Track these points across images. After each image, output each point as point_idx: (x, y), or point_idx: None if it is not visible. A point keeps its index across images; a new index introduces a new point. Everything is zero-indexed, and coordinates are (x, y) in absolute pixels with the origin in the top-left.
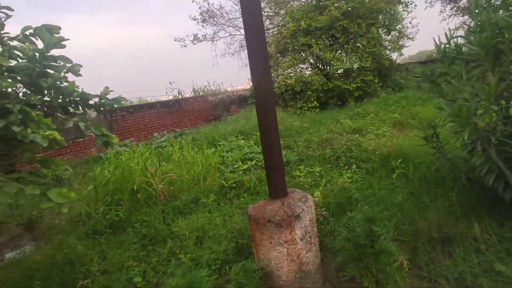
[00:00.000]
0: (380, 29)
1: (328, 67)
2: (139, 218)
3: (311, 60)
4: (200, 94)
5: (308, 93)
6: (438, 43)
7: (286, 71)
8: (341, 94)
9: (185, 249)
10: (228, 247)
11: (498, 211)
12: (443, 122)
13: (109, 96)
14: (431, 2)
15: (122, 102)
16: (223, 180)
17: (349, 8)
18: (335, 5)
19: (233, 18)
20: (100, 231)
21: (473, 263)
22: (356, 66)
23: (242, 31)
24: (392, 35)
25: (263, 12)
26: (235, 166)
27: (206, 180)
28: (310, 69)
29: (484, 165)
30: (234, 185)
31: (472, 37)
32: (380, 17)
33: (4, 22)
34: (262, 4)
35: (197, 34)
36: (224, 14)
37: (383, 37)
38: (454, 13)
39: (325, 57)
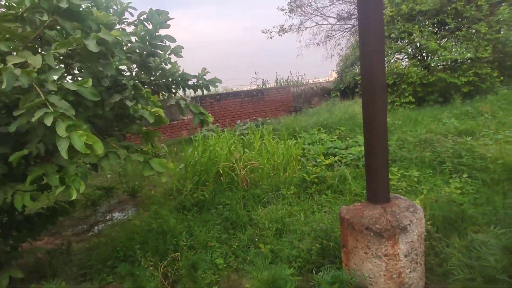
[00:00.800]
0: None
1: (430, 57)
2: (222, 201)
3: (410, 50)
4: (283, 85)
5: (403, 87)
6: None
7: None
8: (445, 89)
9: (264, 239)
10: (312, 247)
11: None
12: None
13: (206, 77)
14: None
15: (217, 84)
16: (304, 174)
17: None
18: None
19: (321, 6)
20: (188, 208)
21: None
22: (469, 57)
23: (330, 20)
24: None
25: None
26: (318, 160)
27: (286, 171)
28: (407, 59)
29: None
30: (316, 180)
31: None
32: None
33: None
34: None
35: (283, 25)
36: (312, 2)
37: None
38: None
39: (428, 46)
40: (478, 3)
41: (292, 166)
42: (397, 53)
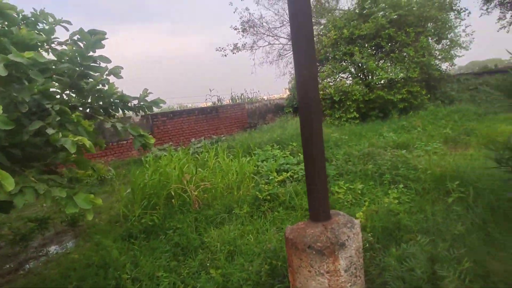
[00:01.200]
0: (430, 38)
1: (370, 77)
2: (172, 225)
3: (352, 70)
4: (238, 102)
5: (348, 103)
6: None
7: (325, 80)
8: (384, 106)
9: (216, 263)
10: (262, 269)
11: None
12: None
13: (148, 99)
14: (487, 8)
15: (161, 105)
16: (257, 192)
17: (396, 16)
18: (381, 13)
19: (272, 27)
20: (135, 235)
21: None
22: (402, 76)
23: (281, 40)
24: (443, 44)
25: None
26: (270, 177)
27: (240, 190)
28: (350, 78)
29: None
30: (269, 197)
31: None
32: (430, 25)
33: (55, 28)
34: None
35: (237, 43)
36: (264, 23)
37: (433, 46)
38: None
39: (368, 66)
40: (407, 30)
41: (246, 184)
42: (341, 73)
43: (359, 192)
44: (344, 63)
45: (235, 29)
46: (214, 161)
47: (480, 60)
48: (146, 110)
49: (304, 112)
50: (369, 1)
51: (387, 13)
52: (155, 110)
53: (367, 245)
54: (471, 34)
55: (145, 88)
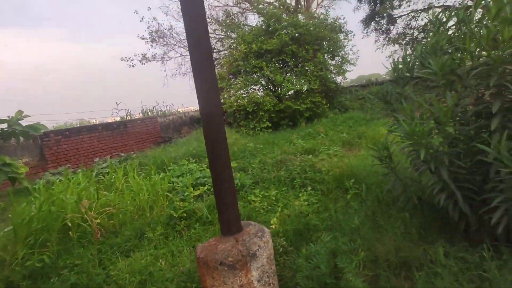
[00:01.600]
0: (325, 55)
1: (279, 89)
2: (69, 262)
3: (263, 82)
4: (149, 115)
5: (260, 114)
6: (394, 65)
7: (239, 92)
8: (293, 115)
9: None
10: None
11: (449, 231)
12: (397, 142)
13: (24, 122)
14: (367, 32)
15: (42, 130)
16: (171, 210)
17: (297, 34)
18: (284, 31)
19: (184, 39)
20: (17, 283)
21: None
22: (306, 88)
23: None
24: (336, 60)
25: (214, 35)
26: (186, 193)
27: (153, 210)
28: (262, 90)
29: (436, 185)
30: (185, 214)
31: (428, 60)
32: (325, 43)
33: None
34: (213, 26)
35: (145, 54)
36: (174, 34)
37: (328, 62)
38: (386, 43)
39: (275, 79)
40: (306, 47)
41: (160, 203)
42: (253, 85)
43: (273, 198)
44: (255, 76)
45: (143, 38)
46: (123, 182)
47: (366, 74)
48: (21, 136)
49: (207, 128)
50: (273, 19)
51: (289, 31)
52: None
53: (281, 250)
54: (356, 53)
55: (19, 110)
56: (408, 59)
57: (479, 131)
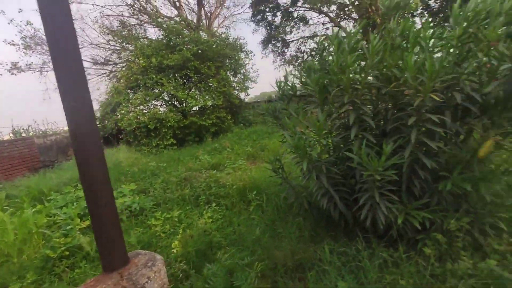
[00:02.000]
0: (228, 72)
1: (184, 104)
2: None
3: (166, 97)
4: (23, 135)
5: (164, 130)
6: (278, 84)
7: (138, 107)
8: (198, 130)
9: None
10: None
11: (333, 229)
12: (287, 153)
13: None
14: (266, 53)
15: None
16: (48, 250)
17: (199, 51)
18: (186, 47)
19: None
20: None
21: (323, 285)
22: (210, 104)
23: (84, 64)
24: (238, 78)
25: (108, 46)
26: (69, 226)
27: (24, 253)
28: (165, 106)
29: (319, 190)
30: (67, 252)
31: (307, 79)
32: (227, 61)
33: None
34: (107, 37)
35: (17, 63)
36: None
37: (231, 79)
38: (282, 63)
39: (178, 95)
40: (209, 64)
41: (33, 243)
42: (155, 100)
43: (176, 219)
44: (156, 91)
45: (13, 44)
46: None
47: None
48: None
49: (79, 147)
50: (174, 34)
51: (191, 47)
52: None
53: (181, 275)
54: (257, 71)
55: None
56: (290, 78)
57: (346, 141)
